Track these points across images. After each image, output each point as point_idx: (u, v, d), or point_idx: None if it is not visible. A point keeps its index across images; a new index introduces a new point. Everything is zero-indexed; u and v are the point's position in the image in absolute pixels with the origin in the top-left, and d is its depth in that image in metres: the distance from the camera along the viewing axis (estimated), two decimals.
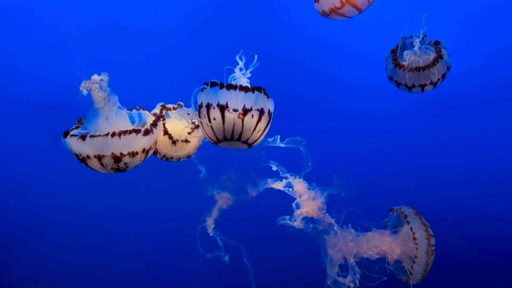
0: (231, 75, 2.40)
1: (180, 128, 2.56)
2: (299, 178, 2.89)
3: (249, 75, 2.39)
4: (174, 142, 2.48)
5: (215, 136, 2.28)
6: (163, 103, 2.59)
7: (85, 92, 2.12)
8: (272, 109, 2.36)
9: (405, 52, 2.81)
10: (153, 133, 2.15)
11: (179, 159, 2.59)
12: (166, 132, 2.48)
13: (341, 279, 2.59)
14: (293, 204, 2.81)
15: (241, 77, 2.40)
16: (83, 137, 2.05)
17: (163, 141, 2.48)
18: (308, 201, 2.80)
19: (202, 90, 2.28)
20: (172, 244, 4.05)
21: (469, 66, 3.31)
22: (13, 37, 3.88)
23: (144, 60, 3.92)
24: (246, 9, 4.01)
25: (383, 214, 2.73)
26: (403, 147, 4.32)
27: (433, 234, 2.46)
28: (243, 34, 3.87)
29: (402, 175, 4.21)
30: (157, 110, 2.46)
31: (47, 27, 3.85)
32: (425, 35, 2.83)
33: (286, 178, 2.91)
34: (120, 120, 2.18)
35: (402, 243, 2.49)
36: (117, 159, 2.07)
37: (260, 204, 3.09)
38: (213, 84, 2.21)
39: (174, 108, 2.61)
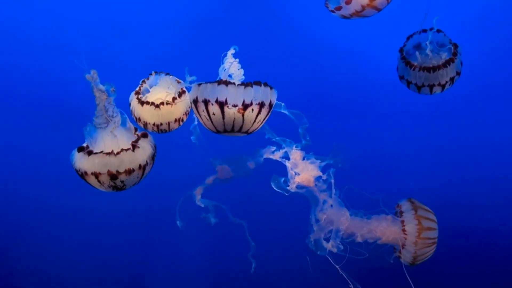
0: (222, 66, 2.36)
1: (164, 95, 2.52)
2: (296, 147, 2.92)
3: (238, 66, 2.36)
4: (158, 106, 2.44)
5: (215, 128, 2.30)
6: (144, 79, 2.59)
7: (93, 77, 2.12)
8: (274, 100, 2.36)
9: (417, 52, 2.77)
10: (138, 147, 2.16)
11: (169, 125, 2.58)
12: (146, 103, 2.46)
13: (324, 243, 2.67)
14: (288, 169, 2.83)
15: (232, 66, 2.35)
16: (89, 153, 2.10)
17: (147, 110, 2.48)
18: (303, 170, 2.82)
19: (198, 85, 2.26)
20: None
21: (475, 68, 3.26)
22: (12, 36, 3.78)
23: (145, 57, 3.85)
24: (254, 9, 3.89)
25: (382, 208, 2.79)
26: (406, 146, 4.35)
27: (432, 226, 2.53)
28: (249, 33, 3.79)
29: (404, 173, 4.30)
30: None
31: (43, 24, 3.74)
32: (444, 34, 2.77)
33: (282, 148, 2.94)
34: (121, 135, 2.21)
35: (398, 230, 2.57)
36: (113, 176, 2.10)
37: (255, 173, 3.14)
38: (211, 82, 2.21)
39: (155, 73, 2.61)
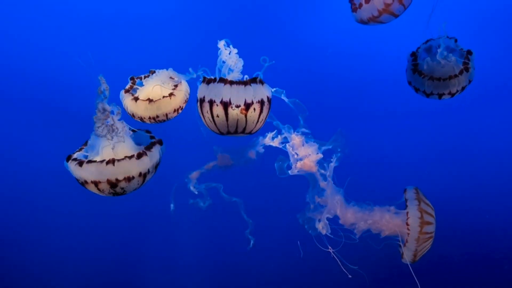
0: (219, 58, 2.32)
1: (160, 88, 2.51)
2: (296, 133, 2.90)
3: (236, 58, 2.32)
4: (152, 100, 2.44)
5: (218, 130, 2.30)
6: (133, 76, 2.56)
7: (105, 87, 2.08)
8: (270, 95, 2.34)
9: (427, 59, 2.71)
10: (146, 155, 2.10)
11: (167, 115, 2.57)
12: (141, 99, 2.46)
13: (316, 223, 2.69)
14: (290, 154, 2.83)
15: (230, 58, 2.31)
16: (80, 163, 2.05)
17: (142, 106, 2.47)
18: (304, 154, 2.79)
19: (207, 83, 2.23)
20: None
21: (481, 72, 3.24)
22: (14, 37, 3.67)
23: (144, 54, 3.75)
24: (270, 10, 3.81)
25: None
26: (410, 145, 4.37)
27: (431, 221, 2.51)
28: (263, 33, 3.72)
29: (406, 171, 4.32)
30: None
31: (41, 24, 3.62)
32: (456, 40, 2.72)
33: (281, 133, 2.93)
34: (123, 145, 2.16)
35: (401, 223, 2.56)
36: (112, 184, 2.07)
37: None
38: (213, 80, 2.19)
39: (145, 77, 2.59)
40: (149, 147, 2.15)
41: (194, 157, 3.28)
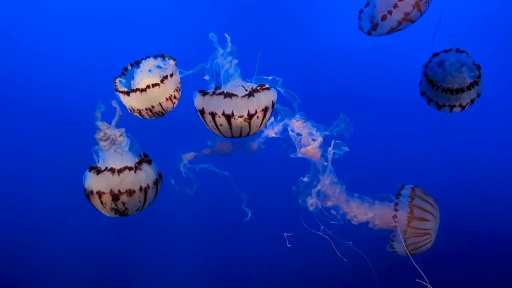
0: (216, 61, 2.31)
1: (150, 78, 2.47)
2: (296, 120, 2.89)
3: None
4: (143, 90, 2.36)
5: (223, 135, 2.32)
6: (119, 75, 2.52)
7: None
8: (275, 98, 2.33)
9: (439, 71, 2.73)
10: (140, 169, 2.17)
11: (162, 105, 2.47)
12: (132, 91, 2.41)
13: (308, 198, 2.71)
14: (293, 139, 2.85)
15: (226, 59, 2.30)
16: (98, 171, 2.14)
17: (135, 97, 2.41)
18: (306, 140, 2.76)
19: (203, 95, 2.23)
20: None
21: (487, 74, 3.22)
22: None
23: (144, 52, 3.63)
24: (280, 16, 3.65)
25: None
26: (415, 145, 4.35)
27: (425, 217, 2.53)
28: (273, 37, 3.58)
29: (410, 171, 4.31)
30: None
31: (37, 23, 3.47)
32: (467, 54, 2.72)
33: (281, 120, 2.91)
34: (125, 156, 2.23)
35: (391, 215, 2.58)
36: (115, 197, 2.11)
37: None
38: (212, 94, 2.19)
39: (131, 65, 2.52)
40: (139, 162, 2.24)
41: (194, 145, 3.29)
